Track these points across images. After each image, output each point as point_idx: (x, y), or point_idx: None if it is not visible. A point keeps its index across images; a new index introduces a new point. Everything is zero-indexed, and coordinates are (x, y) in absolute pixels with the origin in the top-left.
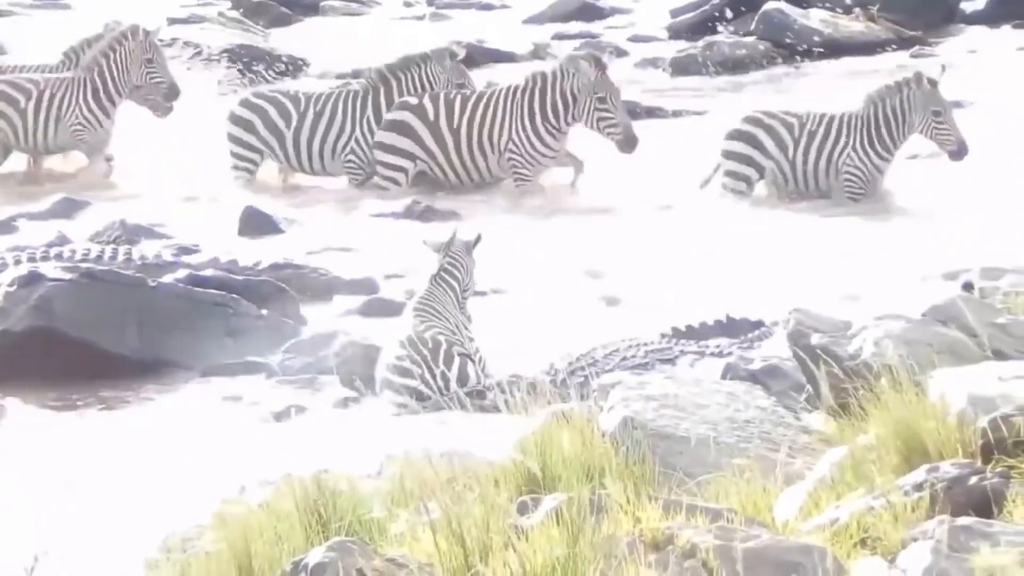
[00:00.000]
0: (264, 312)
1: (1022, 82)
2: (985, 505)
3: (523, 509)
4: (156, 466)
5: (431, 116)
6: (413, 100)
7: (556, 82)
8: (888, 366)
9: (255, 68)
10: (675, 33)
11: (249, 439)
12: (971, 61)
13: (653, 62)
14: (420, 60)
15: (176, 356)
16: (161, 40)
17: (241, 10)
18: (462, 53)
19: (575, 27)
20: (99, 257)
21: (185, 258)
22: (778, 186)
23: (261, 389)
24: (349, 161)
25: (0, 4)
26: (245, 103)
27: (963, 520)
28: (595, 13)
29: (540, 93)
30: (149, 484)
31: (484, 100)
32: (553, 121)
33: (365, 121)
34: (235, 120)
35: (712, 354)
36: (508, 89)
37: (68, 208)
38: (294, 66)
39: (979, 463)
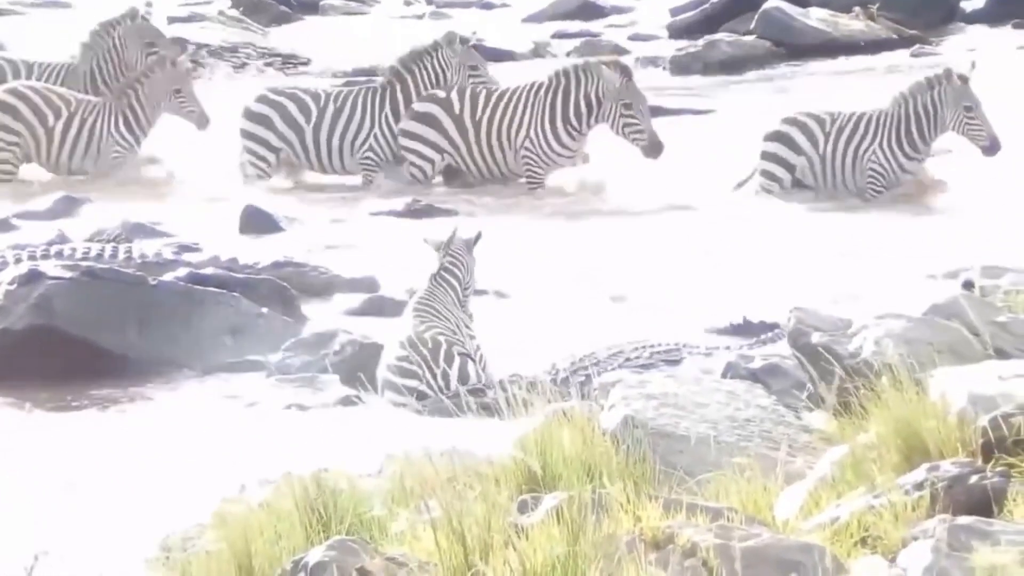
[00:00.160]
0: (264, 311)
1: (1022, 81)
2: (985, 504)
3: (523, 508)
4: (156, 465)
5: (456, 109)
6: (441, 93)
7: (581, 84)
8: (889, 365)
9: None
10: (675, 32)
11: (249, 438)
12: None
13: (653, 61)
14: (431, 49)
15: (176, 355)
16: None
17: (241, 8)
18: (471, 39)
19: (575, 26)
20: (99, 255)
21: (185, 256)
22: (807, 183)
23: (261, 388)
24: (366, 158)
25: (0, 3)
26: (262, 99)
27: (963, 519)
28: (595, 12)
29: (564, 93)
30: (149, 483)
31: (507, 96)
32: (575, 122)
33: (384, 118)
34: (251, 116)
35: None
36: (531, 87)
37: (68, 206)
38: (292, 64)
39: (979, 462)
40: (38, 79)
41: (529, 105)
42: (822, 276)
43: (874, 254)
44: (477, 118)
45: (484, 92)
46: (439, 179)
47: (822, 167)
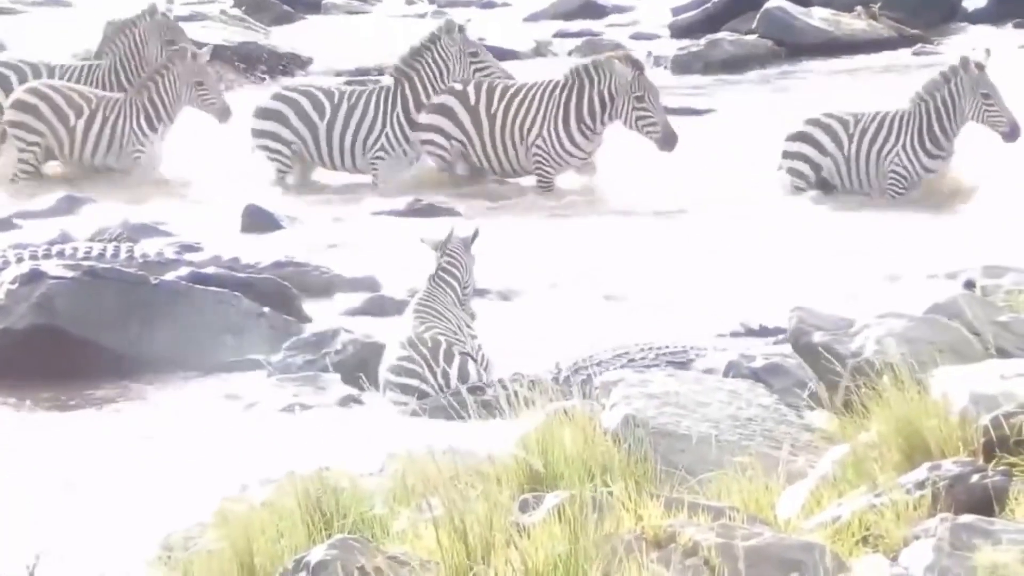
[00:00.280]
0: (265, 310)
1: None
2: (987, 503)
3: (525, 507)
4: (157, 464)
5: (472, 101)
6: (458, 86)
7: (595, 82)
8: (890, 364)
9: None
10: (677, 31)
11: (250, 437)
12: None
13: (655, 60)
14: (430, 42)
15: (178, 354)
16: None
17: (243, 8)
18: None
19: (576, 25)
20: (101, 255)
21: (187, 256)
22: (833, 183)
23: (262, 387)
24: (377, 158)
25: (1, 1)
26: (277, 96)
27: (965, 518)
28: (597, 11)
29: (578, 92)
30: (150, 482)
31: (522, 92)
32: (588, 121)
33: (395, 117)
34: (265, 114)
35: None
36: (547, 84)
37: (70, 205)
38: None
39: (981, 461)
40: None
41: (544, 103)
42: (824, 275)
43: (876, 253)
44: (492, 111)
45: (501, 86)
46: (464, 170)
47: (847, 168)
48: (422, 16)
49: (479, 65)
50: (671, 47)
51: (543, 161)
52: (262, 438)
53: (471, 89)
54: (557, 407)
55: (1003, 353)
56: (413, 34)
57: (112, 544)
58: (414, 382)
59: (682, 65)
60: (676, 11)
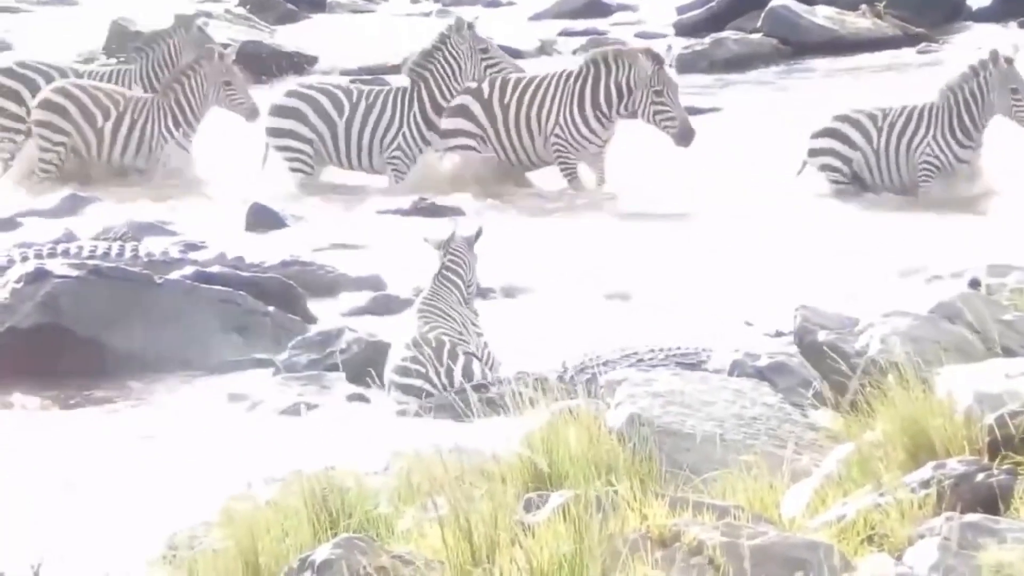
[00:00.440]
0: (270, 309)
1: None
2: (992, 502)
3: (530, 506)
4: (163, 463)
5: (486, 95)
6: (473, 84)
7: (612, 71)
8: (895, 363)
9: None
10: (681, 30)
11: (255, 436)
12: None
13: None
14: (439, 43)
15: (183, 353)
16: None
17: (248, 7)
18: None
19: (581, 24)
20: (106, 254)
21: (192, 255)
22: (864, 178)
23: (267, 386)
24: (394, 158)
25: (6, 0)
26: (293, 94)
27: (970, 517)
28: (601, 9)
29: (594, 80)
30: (155, 481)
31: (536, 82)
32: (604, 109)
33: (412, 117)
34: (282, 112)
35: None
36: (561, 74)
37: (75, 204)
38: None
39: (986, 460)
40: None
41: (559, 92)
42: (830, 274)
43: (881, 253)
44: (506, 102)
45: (514, 79)
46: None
47: (876, 162)
48: (427, 15)
49: (490, 61)
50: (676, 46)
51: (562, 148)
52: (267, 437)
53: (485, 85)
54: (562, 406)
55: (1008, 352)
56: (418, 33)
57: (115, 544)
58: (419, 382)
59: (686, 64)
60: (681, 10)
